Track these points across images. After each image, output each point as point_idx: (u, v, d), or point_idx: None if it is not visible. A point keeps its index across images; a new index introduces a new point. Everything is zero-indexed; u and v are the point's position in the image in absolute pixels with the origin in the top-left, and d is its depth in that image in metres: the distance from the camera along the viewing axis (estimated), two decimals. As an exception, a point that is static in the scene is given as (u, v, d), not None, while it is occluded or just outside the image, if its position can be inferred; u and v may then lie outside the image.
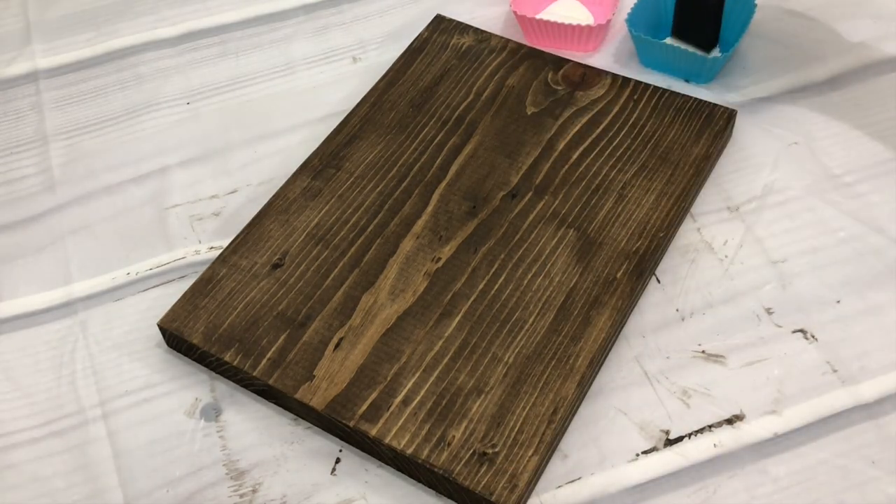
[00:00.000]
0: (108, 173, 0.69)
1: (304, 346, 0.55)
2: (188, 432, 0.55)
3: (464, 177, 0.63)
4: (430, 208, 0.62)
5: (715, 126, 0.65)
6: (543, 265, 0.58)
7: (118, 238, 0.65)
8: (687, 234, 0.62)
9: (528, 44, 0.72)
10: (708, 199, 0.63)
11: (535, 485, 0.51)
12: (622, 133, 0.65)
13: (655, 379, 0.55)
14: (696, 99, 0.67)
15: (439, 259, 0.59)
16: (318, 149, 0.66)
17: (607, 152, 0.64)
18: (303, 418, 0.55)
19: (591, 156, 0.64)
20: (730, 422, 0.53)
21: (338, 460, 0.53)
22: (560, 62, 0.70)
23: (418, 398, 0.53)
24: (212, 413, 0.55)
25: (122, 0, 0.82)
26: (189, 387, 0.56)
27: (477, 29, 0.73)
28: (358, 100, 0.69)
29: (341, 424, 0.52)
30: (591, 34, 0.72)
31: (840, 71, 0.71)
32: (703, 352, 0.56)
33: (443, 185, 0.63)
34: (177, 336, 0.56)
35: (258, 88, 0.74)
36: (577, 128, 0.66)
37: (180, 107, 0.73)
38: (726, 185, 0.64)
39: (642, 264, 0.58)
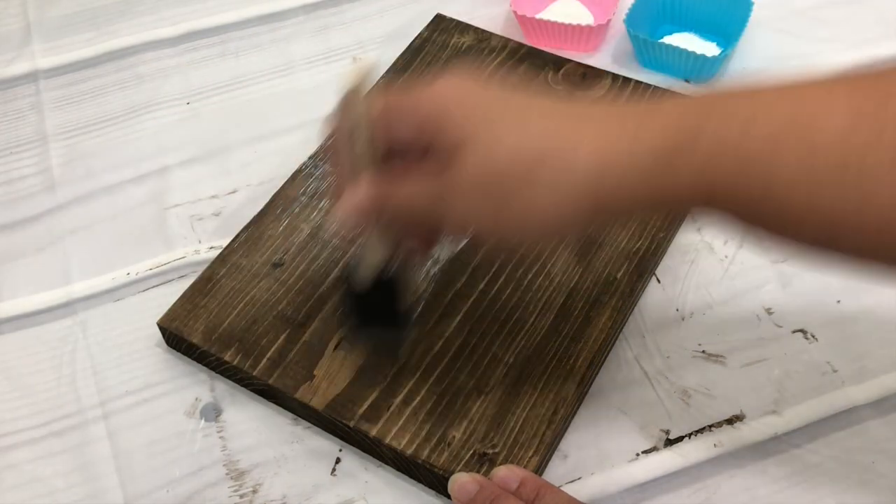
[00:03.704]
0: (108, 173, 0.68)
1: (304, 345, 0.55)
2: (188, 432, 0.55)
3: (464, 177, 0.63)
4: (430, 208, 0.62)
5: (715, 126, 0.65)
6: (543, 265, 0.58)
7: (118, 238, 0.65)
8: (687, 234, 0.61)
9: (529, 43, 0.72)
10: (708, 199, 0.63)
11: (535, 485, 0.51)
12: (622, 133, 0.65)
13: (655, 379, 0.55)
14: (696, 99, 0.66)
15: (439, 259, 0.59)
16: (318, 148, 0.66)
17: (607, 152, 0.64)
18: (303, 418, 0.55)
19: (591, 156, 0.64)
20: (730, 422, 0.53)
21: (338, 460, 0.53)
22: (560, 62, 0.70)
23: (418, 398, 0.52)
24: (212, 413, 0.55)
25: (122, 0, 0.82)
26: (189, 387, 0.56)
27: (477, 28, 0.73)
28: (358, 100, 0.69)
29: (341, 424, 0.52)
30: (591, 34, 0.72)
31: (840, 71, 0.70)
32: (703, 352, 0.56)
33: (443, 185, 0.63)
34: (177, 335, 0.56)
35: (258, 88, 0.74)
36: (577, 128, 0.65)
37: (180, 107, 0.73)
38: (726, 185, 0.64)
39: (642, 264, 0.58)
